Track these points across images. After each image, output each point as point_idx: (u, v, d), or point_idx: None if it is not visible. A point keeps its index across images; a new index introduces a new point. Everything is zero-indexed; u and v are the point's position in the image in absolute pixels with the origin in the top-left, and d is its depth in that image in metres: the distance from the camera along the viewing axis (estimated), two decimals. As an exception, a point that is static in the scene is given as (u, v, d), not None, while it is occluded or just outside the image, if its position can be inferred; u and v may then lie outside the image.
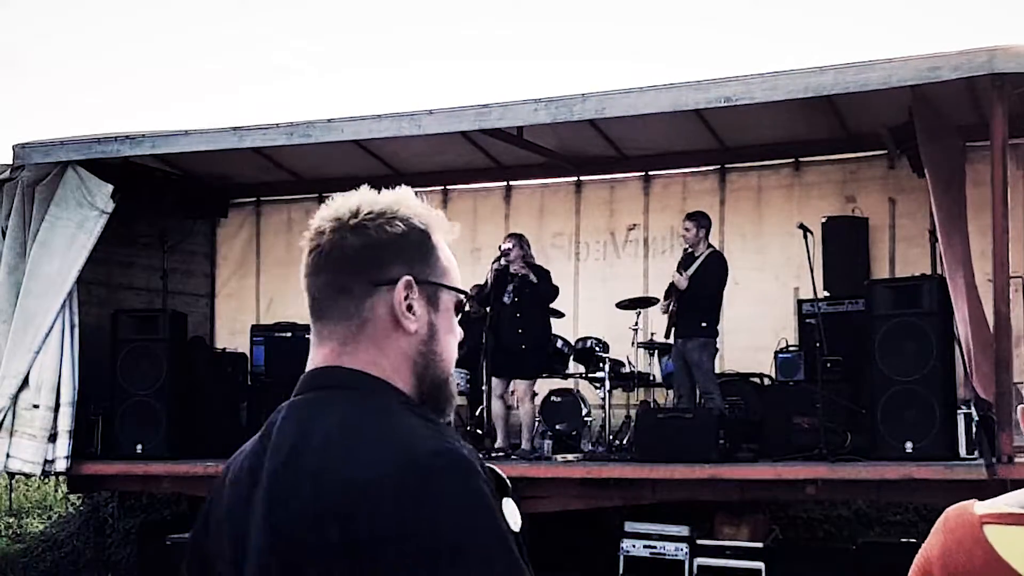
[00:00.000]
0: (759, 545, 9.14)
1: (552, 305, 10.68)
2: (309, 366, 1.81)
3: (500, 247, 10.45)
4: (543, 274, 10.48)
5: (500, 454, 10.18)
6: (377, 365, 1.74)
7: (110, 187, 10.67)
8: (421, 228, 1.76)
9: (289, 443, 1.72)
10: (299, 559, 1.61)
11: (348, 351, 1.75)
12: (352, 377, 1.74)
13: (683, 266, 10.13)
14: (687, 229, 10.15)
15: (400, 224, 1.74)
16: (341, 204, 1.76)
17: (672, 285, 10.17)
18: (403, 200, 1.77)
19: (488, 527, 1.57)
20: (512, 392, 10.41)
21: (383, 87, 33.49)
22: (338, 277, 1.75)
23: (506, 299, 10.30)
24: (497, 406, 10.42)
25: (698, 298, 9.92)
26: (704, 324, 9.88)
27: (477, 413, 11.05)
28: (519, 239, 10.51)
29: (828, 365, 9.58)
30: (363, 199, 1.75)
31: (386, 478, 1.57)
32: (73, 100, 35.50)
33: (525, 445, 10.21)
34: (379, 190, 1.83)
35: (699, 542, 9.27)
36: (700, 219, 10.19)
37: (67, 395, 10.53)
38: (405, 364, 1.76)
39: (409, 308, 1.75)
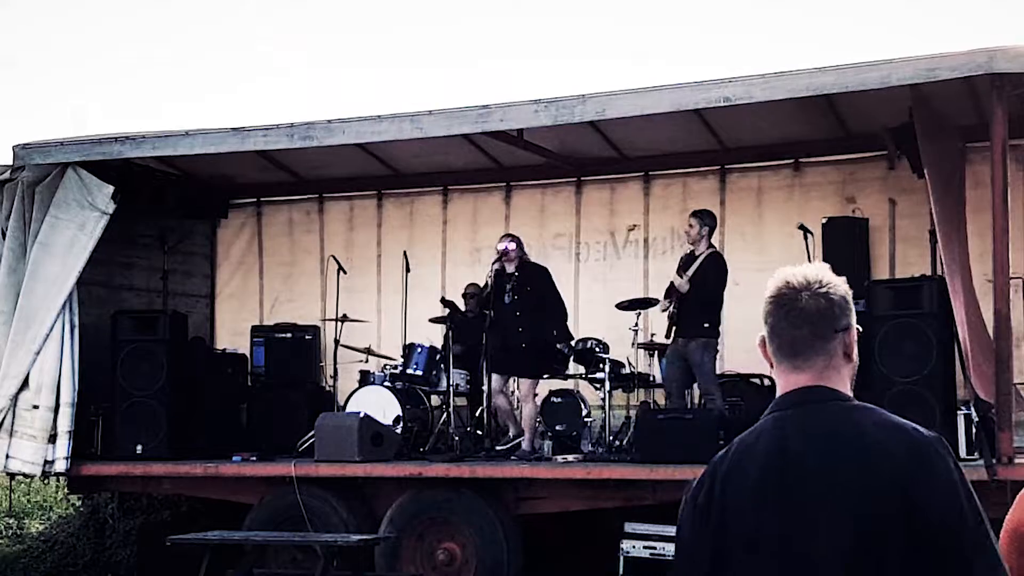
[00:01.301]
0: (759, 546, 9.13)
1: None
2: (788, 387, 2.54)
3: (497, 248, 10.43)
4: (543, 275, 10.48)
5: (508, 445, 10.19)
6: (839, 385, 2.53)
7: (110, 188, 10.68)
8: (848, 290, 2.57)
9: (840, 430, 2.44)
10: (890, 505, 2.34)
11: (824, 377, 2.52)
12: (835, 393, 2.51)
13: (683, 267, 10.13)
14: (691, 226, 10.14)
15: (841, 288, 2.54)
16: (800, 275, 2.54)
17: (672, 286, 10.16)
18: (828, 270, 2.57)
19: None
20: (513, 392, 10.40)
21: (383, 87, 33.48)
22: (816, 327, 2.51)
23: (506, 299, 10.31)
24: (500, 400, 10.42)
25: (699, 298, 9.92)
26: (707, 324, 9.89)
27: (477, 414, 11.06)
28: (515, 239, 10.52)
29: (828, 366, 9.57)
30: (813, 271, 2.55)
31: (922, 452, 2.37)
32: (73, 100, 35.48)
33: (525, 446, 10.21)
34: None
35: (699, 543, 9.25)
36: (704, 217, 10.19)
37: (67, 396, 10.53)
38: (848, 382, 2.56)
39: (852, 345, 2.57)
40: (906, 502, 2.34)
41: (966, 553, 2.34)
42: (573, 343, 10.73)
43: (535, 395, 10.45)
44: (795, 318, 2.52)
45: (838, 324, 2.52)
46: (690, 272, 9.99)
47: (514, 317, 10.26)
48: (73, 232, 10.67)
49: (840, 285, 2.54)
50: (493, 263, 10.46)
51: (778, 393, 2.56)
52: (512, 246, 10.37)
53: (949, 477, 2.38)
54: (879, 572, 2.33)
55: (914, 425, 2.44)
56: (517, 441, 10.45)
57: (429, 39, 34.38)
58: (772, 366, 2.58)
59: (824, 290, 2.52)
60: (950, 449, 2.43)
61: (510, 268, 10.38)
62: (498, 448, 10.21)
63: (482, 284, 10.93)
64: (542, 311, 10.41)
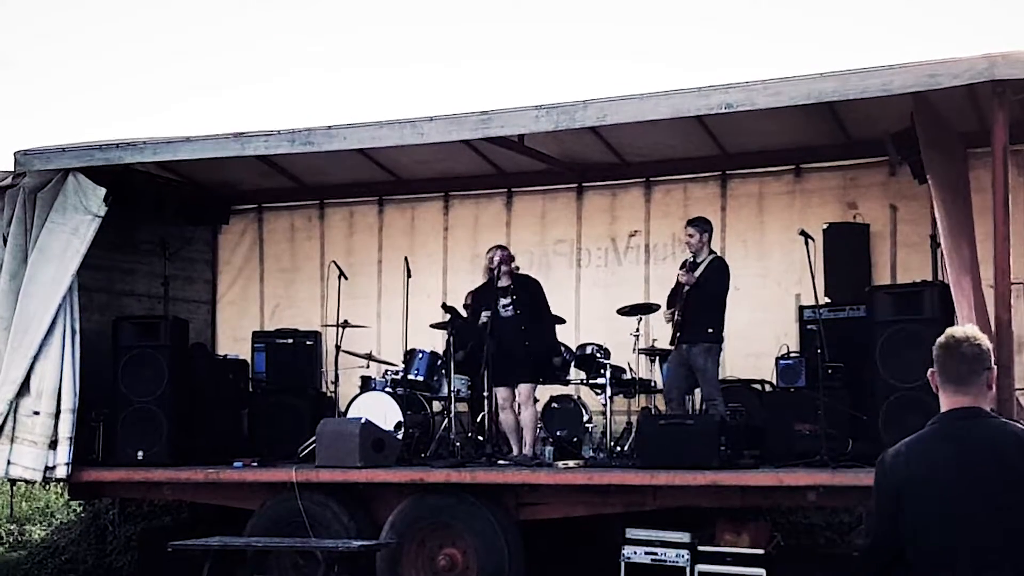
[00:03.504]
0: (760, 552, 9.13)
1: (552, 311, 10.70)
2: (952, 406, 3.74)
3: (494, 258, 10.38)
4: (538, 287, 10.48)
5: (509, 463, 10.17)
6: (986, 406, 3.76)
7: (103, 191, 10.66)
8: (990, 344, 3.79)
9: (992, 437, 3.69)
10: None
11: (978, 401, 3.74)
12: (987, 412, 3.75)
13: (687, 270, 10.12)
14: (690, 235, 10.12)
15: (987, 342, 3.77)
16: (961, 332, 3.78)
17: (674, 292, 10.16)
18: (979, 330, 3.81)
19: None
20: (516, 401, 10.38)
21: (384, 89, 33.46)
22: (972, 366, 3.72)
23: (505, 312, 10.29)
24: (507, 416, 10.39)
25: (703, 303, 9.91)
26: (710, 330, 9.87)
27: (478, 419, 11.05)
28: (506, 250, 10.52)
29: (829, 371, 9.58)
30: (971, 330, 3.78)
31: None
32: (72, 101, 35.48)
33: (527, 451, 10.20)
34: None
35: (700, 549, 9.26)
36: (702, 224, 10.19)
37: (68, 402, 10.52)
38: (990, 405, 3.79)
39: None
40: None
41: None
42: (565, 355, 10.74)
43: (535, 400, 10.45)
44: (959, 359, 3.74)
45: (985, 365, 3.75)
46: (696, 274, 10.00)
47: (516, 328, 10.26)
48: (67, 236, 10.67)
49: (986, 340, 3.78)
50: (485, 277, 10.39)
51: (943, 410, 3.76)
52: (504, 254, 10.39)
53: None
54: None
55: None
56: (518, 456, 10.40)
57: (430, 41, 34.39)
58: (938, 391, 3.79)
59: (977, 342, 3.75)
60: None
61: (504, 281, 10.36)
62: (500, 462, 10.18)
63: (465, 304, 10.84)
64: (540, 321, 10.44)
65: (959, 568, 3.60)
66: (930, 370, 3.82)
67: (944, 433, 3.74)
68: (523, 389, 10.28)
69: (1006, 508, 3.59)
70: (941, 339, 3.80)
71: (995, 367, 3.79)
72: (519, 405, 10.33)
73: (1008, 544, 3.57)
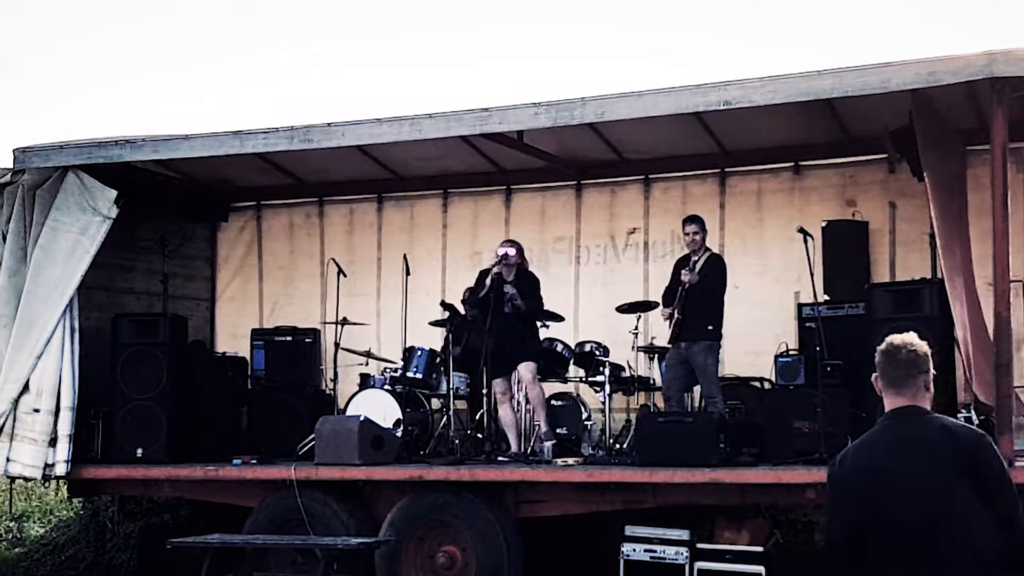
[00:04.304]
0: (759, 549, 9.14)
1: (551, 309, 10.71)
2: (894, 406, 4.05)
3: (497, 252, 10.41)
4: (531, 284, 10.46)
5: (507, 459, 10.15)
6: (925, 405, 4.05)
7: (114, 192, 10.67)
8: (928, 349, 4.08)
9: (927, 431, 3.97)
10: (959, 469, 3.89)
11: (916, 400, 4.04)
12: (924, 410, 4.04)
13: (689, 269, 10.11)
14: (695, 233, 10.11)
15: (924, 348, 4.08)
16: (899, 339, 4.08)
17: (670, 290, 10.16)
18: (917, 337, 4.12)
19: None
20: (519, 403, 10.35)
21: (383, 88, 33.43)
22: (909, 370, 4.04)
23: (507, 308, 10.28)
24: (505, 412, 10.38)
25: (702, 301, 9.92)
26: (710, 327, 9.88)
27: (477, 417, 11.05)
28: (516, 245, 10.52)
29: (828, 369, 9.58)
30: (908, 337, 4.08)
31: (978, 440, 3.98)
32: (72, 101, 35.45)
33: (542, 428, 10.14)
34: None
35: (699, 546, 9.27)
36: (701, 222, 10.22)
37: (67, 399, 10.52)
38: (930, 405, 4.07)
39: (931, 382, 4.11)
40: (974, 463, 3.90)
41: (1004, 489, 3.96)
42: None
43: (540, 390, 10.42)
44: (897, 364, 4.07)
45: (921, 369, 4.07)
46: (696, 270, 10.00)
47: (514, 326, 10.26)
48: (75, 236, 10.66)
49: (924, 346, 4.10)
50: (494, 266, 10.41)
51: (887, 410, 4.08)
52: (513, 252, 10.38)
53: (995, 453, 4.00)
54: (957, 495, 3.85)
55: (971, 427, 4.20)
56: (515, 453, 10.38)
57: (429, 40, 34.36)
58: (881, 394, 4.10)
59: (914, 348, 4.07)
60: (991, 439, 4.06)
61: (509, 275, 10.36)
62: (499, 459, 10.16)
63: (476, 283, 10.79)
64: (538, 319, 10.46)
65: (901, 557, 3.84)
66: (873, 375, 4.10)
67: (884, 431, 4.05)
68: (523, 370, 10.24)
69: (941, 497, 3.84)
70: (881, 346, 4.11)
71: (933, 371, 4.09)
72: (522, 388, 10.27)
73: (943, 531, 3.81)
